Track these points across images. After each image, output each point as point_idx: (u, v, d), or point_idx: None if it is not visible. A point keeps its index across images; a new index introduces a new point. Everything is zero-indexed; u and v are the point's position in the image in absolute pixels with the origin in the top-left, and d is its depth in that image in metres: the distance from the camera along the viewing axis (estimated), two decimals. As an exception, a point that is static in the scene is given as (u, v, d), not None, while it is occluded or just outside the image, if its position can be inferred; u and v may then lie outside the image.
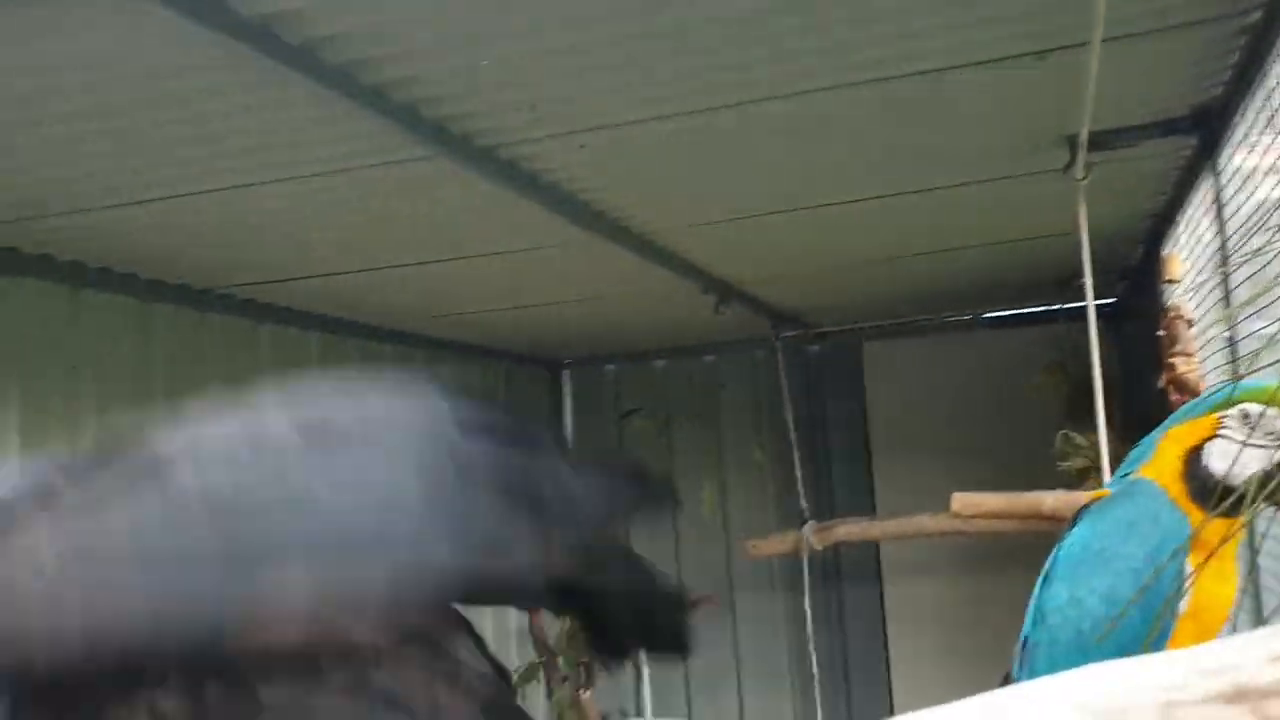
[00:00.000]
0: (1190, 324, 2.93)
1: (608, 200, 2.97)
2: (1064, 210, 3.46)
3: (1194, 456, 1.36)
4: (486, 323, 4.79)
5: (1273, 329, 2.46)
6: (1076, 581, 1.38)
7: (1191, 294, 3.10)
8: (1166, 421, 1.43)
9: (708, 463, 5.93)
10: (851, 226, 3.59)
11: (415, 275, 3.65)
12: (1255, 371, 1.50)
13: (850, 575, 5.90)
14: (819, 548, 5.05)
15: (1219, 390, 1.41)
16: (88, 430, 3.28)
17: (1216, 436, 1.35)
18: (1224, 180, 2.49)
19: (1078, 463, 4.13)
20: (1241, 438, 1.32)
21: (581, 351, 6.20)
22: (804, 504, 5.10)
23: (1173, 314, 2.93)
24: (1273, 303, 2.31)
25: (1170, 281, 3.04)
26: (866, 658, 5.89)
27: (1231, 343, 2.59)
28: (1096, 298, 5.36)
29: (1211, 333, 3.06)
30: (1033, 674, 1.39)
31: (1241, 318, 2.52)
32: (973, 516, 3.28)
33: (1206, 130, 2.51)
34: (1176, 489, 1.36)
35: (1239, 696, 0.41)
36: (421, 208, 2.88)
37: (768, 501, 6.03)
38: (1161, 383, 3.11)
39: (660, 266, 3.62)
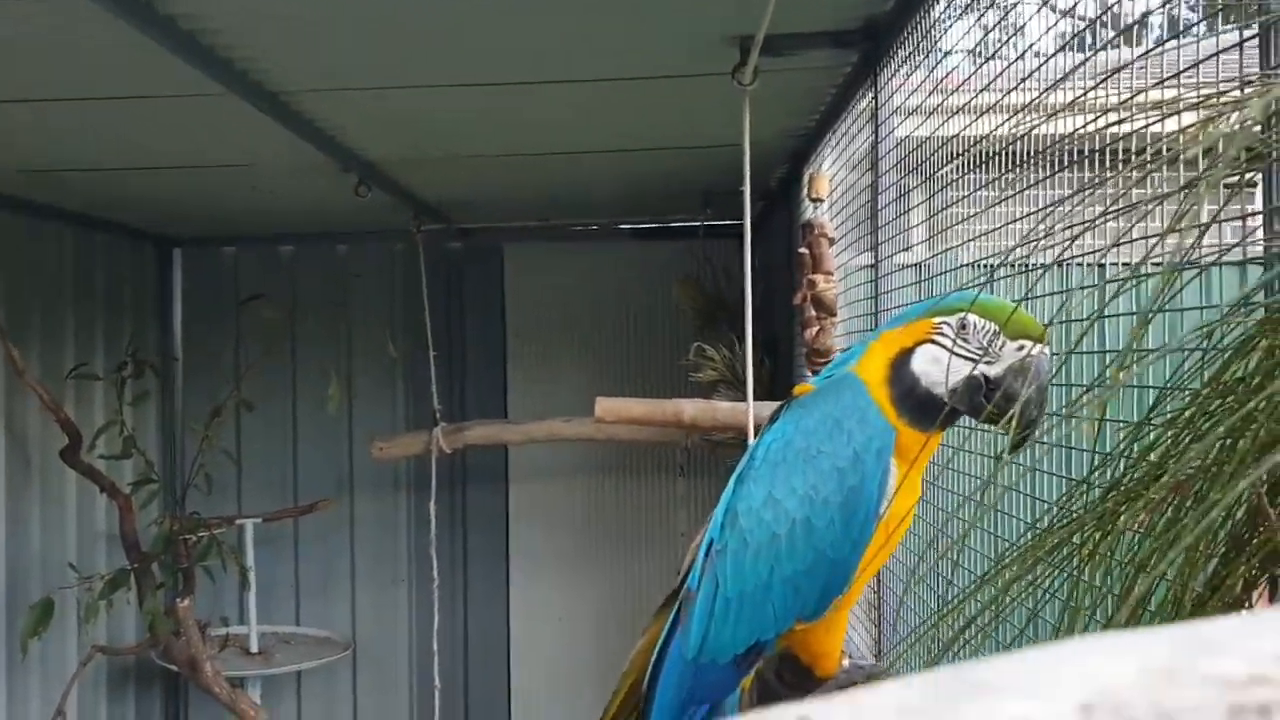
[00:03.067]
0: (832, 242, 2.99)
1: (234, 46, 2.57)
2: (717, 119, 3.45)
3: (902, 359, 1.30)
4: (84, 185, 4.18)
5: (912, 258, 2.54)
6: (775, 481, 1.29)
7: (834, 214, 3.17)
8: (883, 325, 1.38)
9: (336, 358, 5.58)
10: (504, 113, 3.38)
11: (-8, 115, 3.06)
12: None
13: (476, 478, 5.82)
14: (449, 450, 4.91)
15: (937, 298, 1.36)
16: None
17: (928, 341, 1.30)
18: (882, 101, 2.51)
19: (709, 374, 4.22)
20: (955, 347, 1.28)
21: (197, 229, 5.61)
22: (436, 405, 4.91)
23: (817, 231, 2.98)
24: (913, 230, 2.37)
25: (816, 199, 3.09)
26: (487, 559, 5.84)
27: (875, 267, 2.65)
28: (734, 217, 5.54)
29: (843, 257, 3.15)
30: (719, 580, 1.30)
31: (885, 240, 2.58)
32: (615, 421, 3.22)
33: (871, 47, 2.52)
34: (881, 392, 1.30)
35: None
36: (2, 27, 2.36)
37: (397, 401, 5.80)
38: (798, 299, 3.17)
39: (297, 135, 3.25)
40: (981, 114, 2.00)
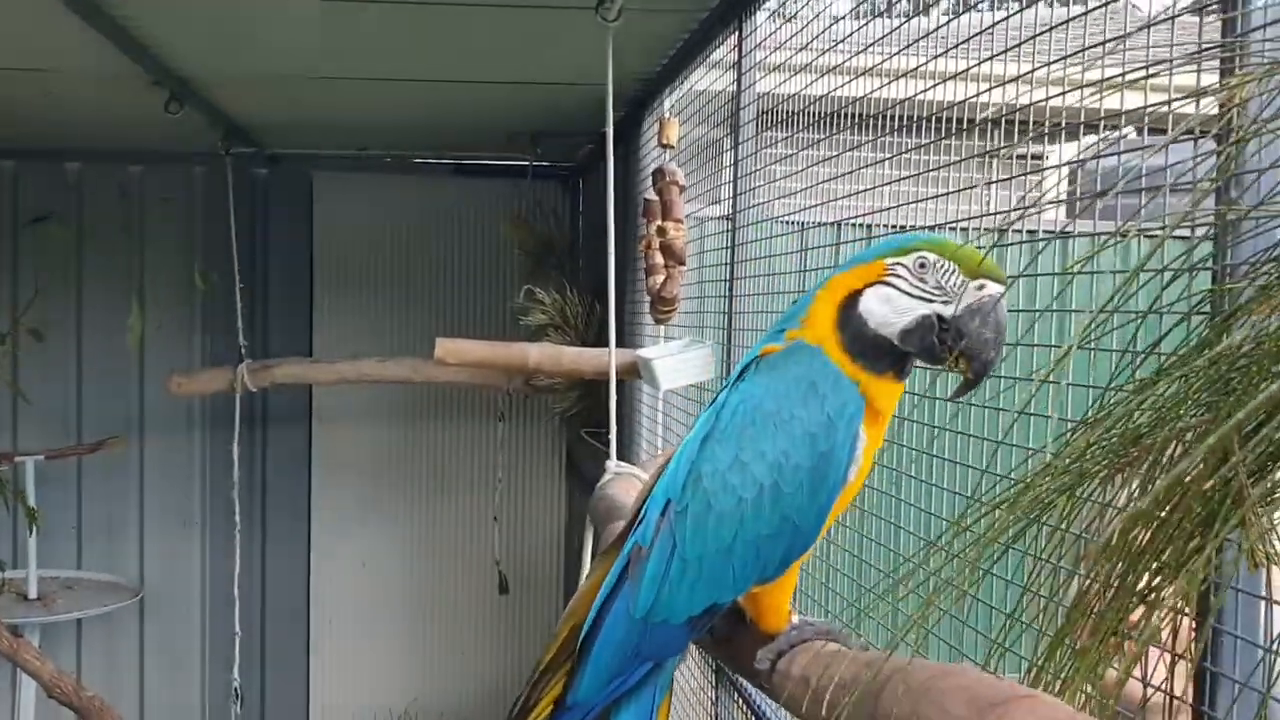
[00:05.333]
0: (682, 189, 2.96)
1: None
2: (559, 56, 3.36)
3: (850, 302, 1.26)
4: None
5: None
6: (743, 444, 1.24)
7: (681, 162, 3.14)
8: (829, 274, 1.33)
9: (129, 287, 5.19)
10: (334, 31, 3.17)
11: None
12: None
13: (277, 418, 5.56)
14: (254, 388, 4.67)
15: (889, 240, 1.32)
16: None
17: (880, 283, 1.26)
18: (748, 47, 2.49)
19: (538, 318, 4.16)
20: (910, 287, 1.24)
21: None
22: (242, 340, 4.65)
23: (668, 178, 2.94)
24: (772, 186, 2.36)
25: (666, 145, 3.04)
26: (286, 503, 5.62)
27: (732, 218, 2.64)
28: (563, 159, 5.44)
29: (689, 207, 3.13)
30: (679, 541, 1.25)
31: (744, 191, 2.57)
32: (456, 364, 3.12)
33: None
34: (831, 341, 1.26)
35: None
36: None
37: (194, 334, 5.46)
38: (643, 246, 3.14)
39: (107, 40, 2.96)
40: (856, 77, 2.00)
